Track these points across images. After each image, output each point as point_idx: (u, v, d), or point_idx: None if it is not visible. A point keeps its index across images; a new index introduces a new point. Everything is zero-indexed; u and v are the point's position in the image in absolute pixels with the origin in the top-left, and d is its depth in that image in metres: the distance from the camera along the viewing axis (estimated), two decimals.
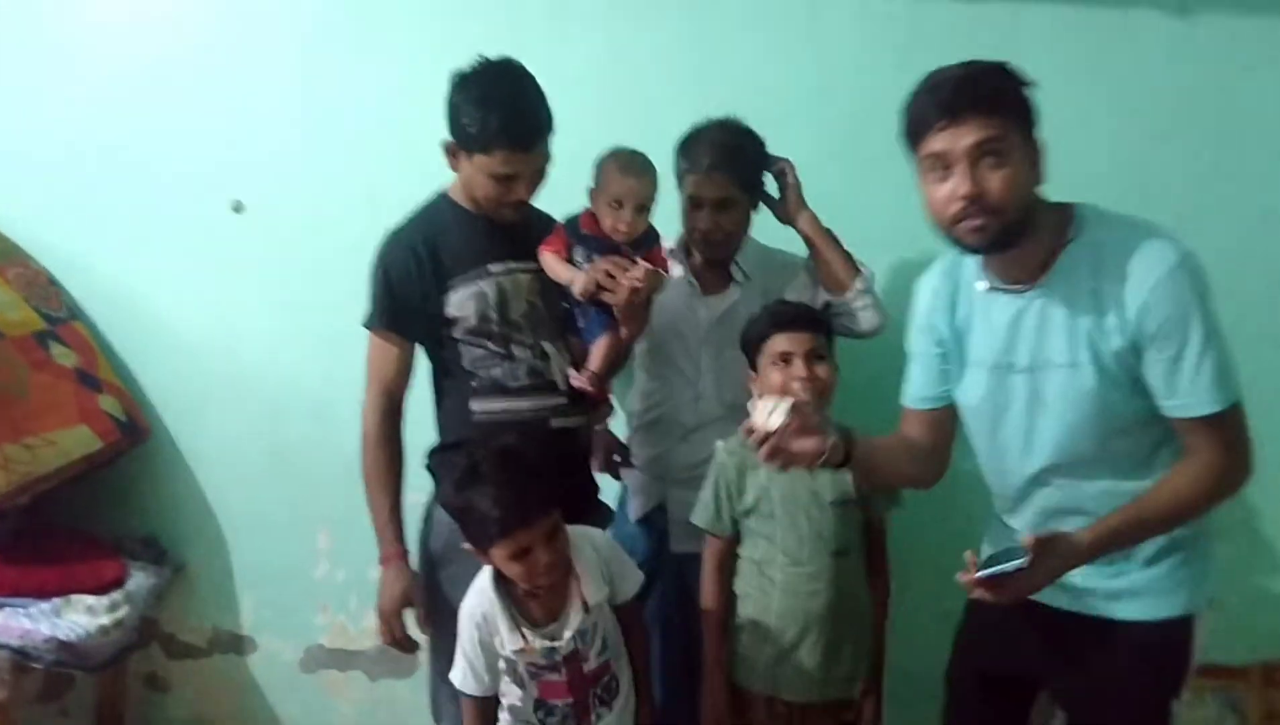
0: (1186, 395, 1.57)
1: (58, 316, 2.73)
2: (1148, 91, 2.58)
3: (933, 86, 1.59)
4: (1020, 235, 1.60)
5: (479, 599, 1.90)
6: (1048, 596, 1.69)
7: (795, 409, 1.61)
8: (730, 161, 2.22)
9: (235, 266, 2.82)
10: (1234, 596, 2.76)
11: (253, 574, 2.94)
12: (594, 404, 2.22)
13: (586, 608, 1.89)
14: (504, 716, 1.95)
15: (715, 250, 2.31)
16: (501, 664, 1.91)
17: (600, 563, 1.95)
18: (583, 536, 1.95)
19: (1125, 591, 1.72)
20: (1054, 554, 1.57)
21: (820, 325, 2.11)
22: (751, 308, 2.27)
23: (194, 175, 2.79)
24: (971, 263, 1.74)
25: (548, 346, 2.10)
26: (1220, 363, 1.56)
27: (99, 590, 2.56)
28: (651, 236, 2.16)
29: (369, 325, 2.10)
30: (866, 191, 2.58)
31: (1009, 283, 1.68)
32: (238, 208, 2.80)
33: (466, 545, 1.85)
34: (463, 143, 2.00)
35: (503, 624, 1.86)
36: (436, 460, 2.15)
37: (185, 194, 2.80)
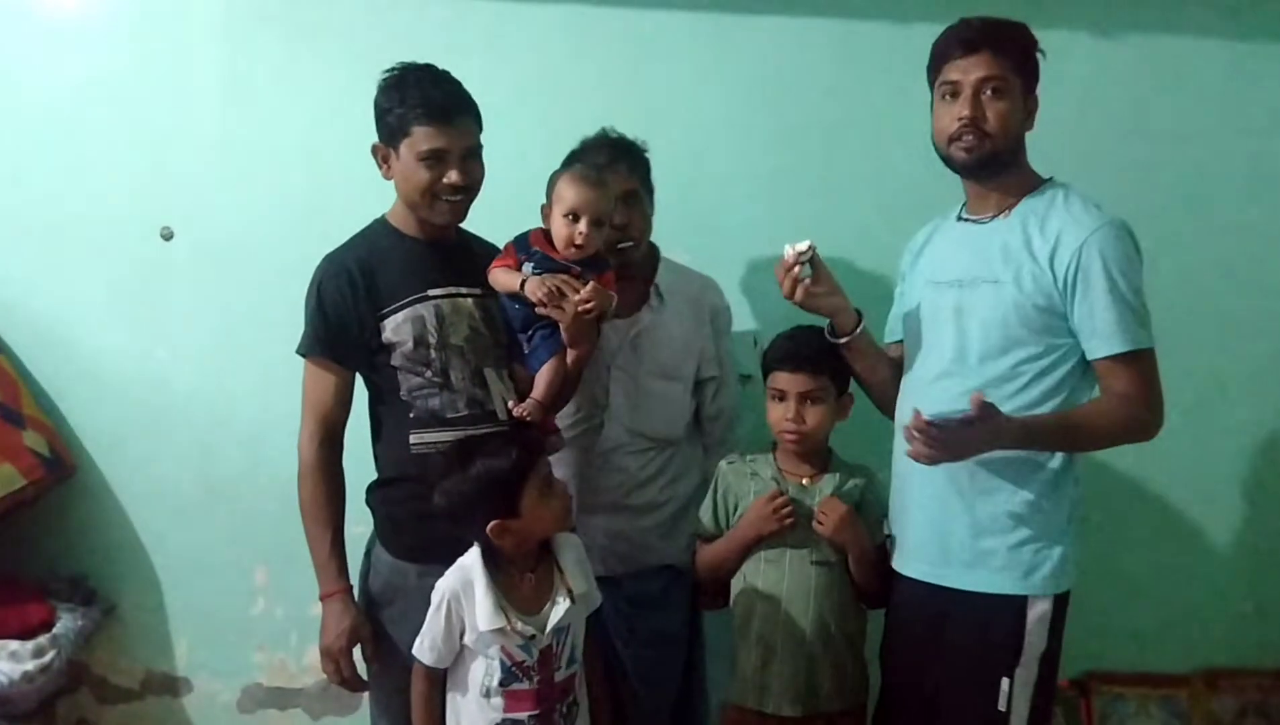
0: (1098, 335, 1.82)
1: None
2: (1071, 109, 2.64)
3: (960, 26, 1.92)
4: (1003, 165, 1.91)
5: (458, 575, 1.87)
6: (909, 569, 1.98)
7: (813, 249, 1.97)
8: None
9: (164, 295, 2.74)
10: (1174, 606, 2.83)
11: (187, 613, 2.84)
12: (544, 433, 2.18)
13: (572, 598, 1.89)
14: None
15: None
16: (479, 649, 1.87)
17: (581, 562, 1.98)
18: (564, 538, 1.97)
19: (965, 562, 1.90)
20: (994, 415, 1.77)
21: (823, 366, 2.07)
22: (669, 331, 2.29)
23: (120, 202, 2.71)
24: (952, 215, 2.06)
25: (489, 373, 2.04)
26: (1128, 313, 1.81)
27: (25, 635, 2.47)
28: (603, 260, 2.10)
29: (304, 352, 2.04)
30: (792, 210, 2.64)
31: (977, 215, 1.98)
32: (167, 235, 2.73)
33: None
34: (387, 136, 1.98)
35: (484, 602, 1.82)
36: (377, 497, 2.08)
37: (111, 222, 2.71)
